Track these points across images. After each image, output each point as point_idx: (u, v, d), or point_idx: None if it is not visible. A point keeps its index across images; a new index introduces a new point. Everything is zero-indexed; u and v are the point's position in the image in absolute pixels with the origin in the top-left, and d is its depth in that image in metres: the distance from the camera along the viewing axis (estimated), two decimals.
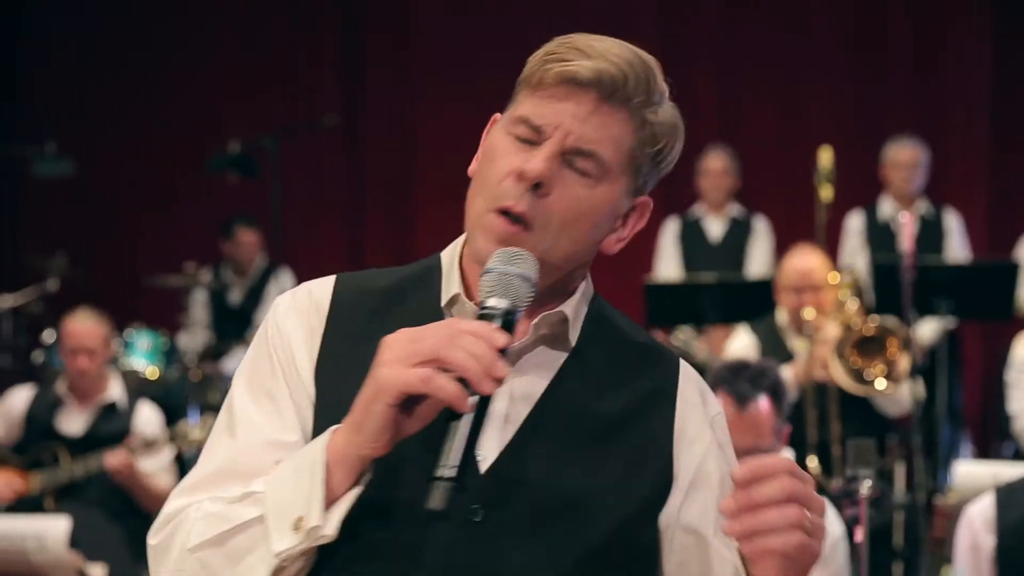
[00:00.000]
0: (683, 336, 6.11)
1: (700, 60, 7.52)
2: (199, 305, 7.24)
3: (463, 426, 1.35)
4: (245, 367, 1.56)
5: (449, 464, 1.33)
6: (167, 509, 1.49)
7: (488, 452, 1.46)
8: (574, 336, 1.53)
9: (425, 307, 1.53)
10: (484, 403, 1.36)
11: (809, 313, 5.12)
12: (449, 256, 1.56)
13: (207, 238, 7.25)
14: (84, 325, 5.29)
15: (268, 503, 1.40)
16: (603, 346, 1.55)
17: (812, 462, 4.93)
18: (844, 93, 7.59)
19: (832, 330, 5.09)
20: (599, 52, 1.44)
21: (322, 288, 1.57)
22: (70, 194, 7.76)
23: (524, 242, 1.45)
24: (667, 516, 1.49)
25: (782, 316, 5.26)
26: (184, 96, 7.86)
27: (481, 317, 1.40)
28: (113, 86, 7.91)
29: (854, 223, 6.62)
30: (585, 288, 1.56)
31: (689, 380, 1.57)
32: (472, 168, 1.52)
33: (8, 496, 5.07)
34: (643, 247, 7.11)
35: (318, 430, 1.46)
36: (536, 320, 1.50)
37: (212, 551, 1.42)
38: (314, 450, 1.40)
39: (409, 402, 1.37)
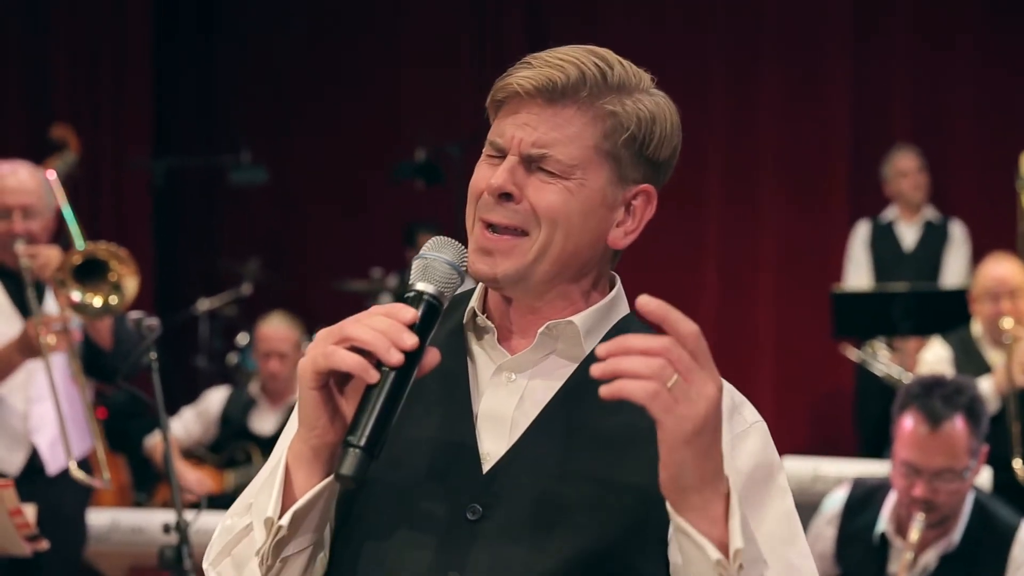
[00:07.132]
0: (871, 350, 5.93)
1: (895, 59, 7.28)
2: None
3: (375, 396, 1.38)
4: None
5: (360, 433, 1.37)
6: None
7: (493, 452, 1.49)
8: (589, 346, 1.53)
9: (454, 325, 1.58)
10: (400, 375, 1.39)
11: (1007, 322, 4.89)
12: None
13: (394, 244, 7.38)
14: (276, 330, 5.47)
15: (254, 510, 1.49)
16: None
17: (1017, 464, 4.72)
18: None
19: None
20: (543, 60, 1.50)
21: None
22: (264, 201, 8.00)
23: (512, 249, 1.50)
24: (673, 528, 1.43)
25: (977, 328, 5.04)
26: (373, 105, 8.01)
27: (405, 300, 1.44)
28: (304, 96, 8.13)
29: None
30: (611, 301, 1.57)
31: None
32: None
33: (199, 492, 5.26)
34: (832, 254, 6.92)
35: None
36: (543, 328, 1.52)
37: (225, 561, 1.52)
38: (280, 453, 1.49)
39: (341, 385, 1.43)
